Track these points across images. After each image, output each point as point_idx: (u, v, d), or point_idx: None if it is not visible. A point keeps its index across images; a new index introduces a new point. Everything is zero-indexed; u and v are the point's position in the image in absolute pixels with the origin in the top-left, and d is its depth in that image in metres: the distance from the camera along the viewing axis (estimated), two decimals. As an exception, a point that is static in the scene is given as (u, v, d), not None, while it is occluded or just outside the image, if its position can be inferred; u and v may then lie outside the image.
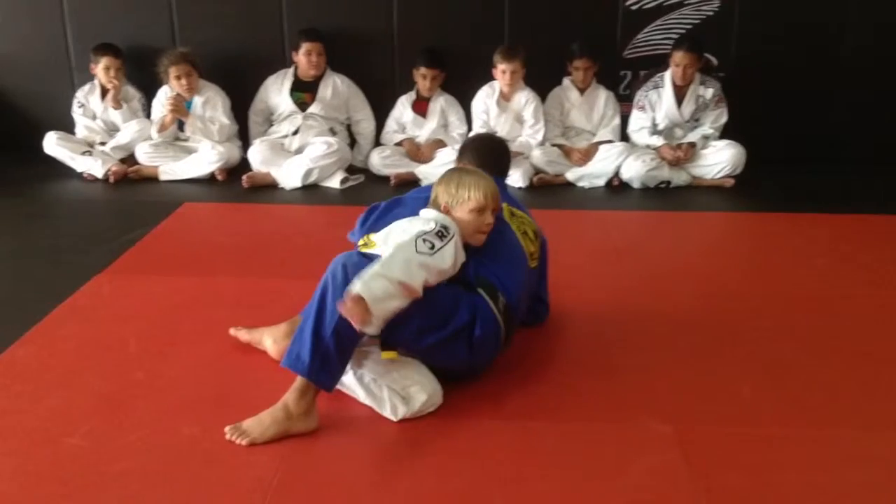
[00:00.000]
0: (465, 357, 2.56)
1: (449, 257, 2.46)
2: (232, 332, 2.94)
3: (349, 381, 2.53)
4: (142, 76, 5.33)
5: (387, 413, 2.47)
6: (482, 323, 2.54)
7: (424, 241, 2.44)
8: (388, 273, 2.32)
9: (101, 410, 2.51)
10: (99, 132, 5.30)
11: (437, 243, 2.45)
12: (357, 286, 2.28)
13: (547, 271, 3.09)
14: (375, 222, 2.79)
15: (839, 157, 5.41)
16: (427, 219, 2.59)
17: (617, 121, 5.22)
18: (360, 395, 2.53)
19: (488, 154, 3.11)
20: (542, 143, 5.11)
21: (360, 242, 2.68)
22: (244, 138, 5.35)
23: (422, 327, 2.46)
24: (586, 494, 2.16)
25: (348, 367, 2.49)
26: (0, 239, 4.14)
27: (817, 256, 3.86)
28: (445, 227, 2.52)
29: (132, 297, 3.35)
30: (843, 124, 5.43)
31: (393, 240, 2.52)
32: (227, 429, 2.37)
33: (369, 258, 2.45)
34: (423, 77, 5.20)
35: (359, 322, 2.27)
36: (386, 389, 2.47)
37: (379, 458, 2.34)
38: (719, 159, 4.99)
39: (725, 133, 5.10)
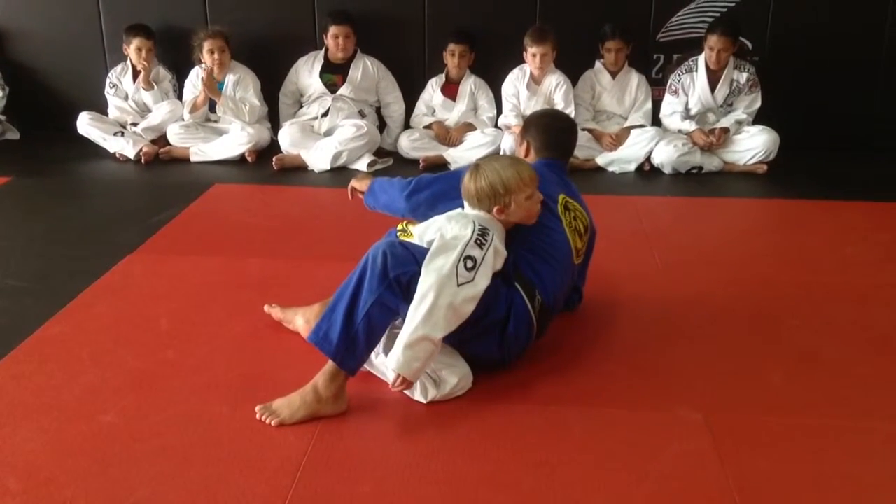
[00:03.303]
0: (494, 350, 2.55)
1: (490, 267, 2.39)
2: (266, 308, 2.96)
3: (380, 364, 2.53)
4: (173, 57, 5.38)
5: (417, 395, 2.47)
6: (515, 320, 2.51)
7: (466, 259, 2.34)
8: (432, 333, 2.30)
9: (133, 388, 2.54)
10: (131, 113, 5.35)
11: (478, 255, 2.35)
12: (399, 360, 2.30)
13: (589, 263, 3.02)
14: (428, 210, 2.71)
15: (874, 145, 5.34)
16: (466, 220, 2.46)
17: (648, 105, 5.17)
18: (391, 378, 2.52)
19: (554, 133, 2.96)
20: (572, 127, 5.06)
21: (399, 228, 2.63)
22: (273, 120, 5.36)
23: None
24: (615, 480, 2.16)
25: (379, 349, 2.50)
26: (33, 218, 4.19)
27: (851, 245, 3.81)
28: (485, 231, 2.41)
29: (163, 277, 3.38)
30: (880, 111, 5.34)
31: (429, 237, 2.47)
32: (257, 408, 2.38)
33: (410, 249, 2.41)
34: (451, 54, 5.17)
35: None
36: (416, 372, 2.47)
37: (408, 441, 2.34)
38: (752, 145, 4.93)
39: (759, 118, 5.04)
